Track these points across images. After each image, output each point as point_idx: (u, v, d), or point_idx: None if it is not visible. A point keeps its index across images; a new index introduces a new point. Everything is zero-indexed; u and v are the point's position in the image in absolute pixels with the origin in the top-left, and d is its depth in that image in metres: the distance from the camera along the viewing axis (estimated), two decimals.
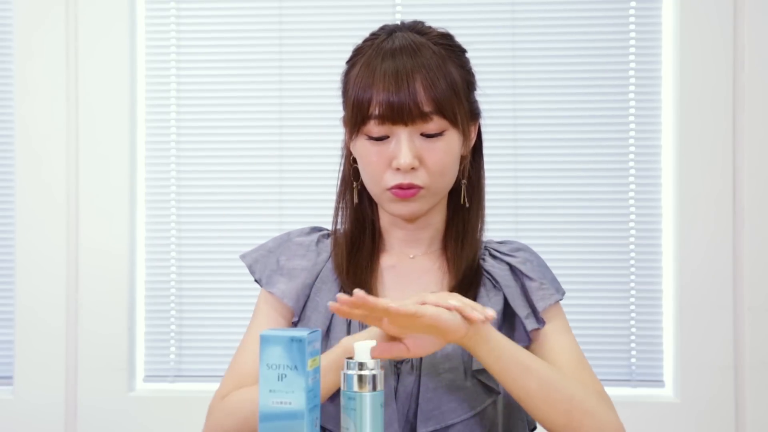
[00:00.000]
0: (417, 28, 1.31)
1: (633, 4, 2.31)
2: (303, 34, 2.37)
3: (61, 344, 2.34)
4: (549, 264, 1.38)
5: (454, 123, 1.25)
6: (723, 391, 2.23)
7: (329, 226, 1.38)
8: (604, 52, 2.32)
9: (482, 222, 1.35)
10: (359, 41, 1.32)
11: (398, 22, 1.33)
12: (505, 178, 2.32)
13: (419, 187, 1.25)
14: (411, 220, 1.32)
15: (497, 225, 2.22)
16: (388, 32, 1.30)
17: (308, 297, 1.32)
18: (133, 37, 2.38)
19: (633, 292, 2.31)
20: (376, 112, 1.23)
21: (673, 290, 2.27)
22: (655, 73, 2.31)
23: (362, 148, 1.27)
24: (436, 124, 1.24)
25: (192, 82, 2.40)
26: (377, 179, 1.27)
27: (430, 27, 1.32)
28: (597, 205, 2.32)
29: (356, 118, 1.26)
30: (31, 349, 2.34)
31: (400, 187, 1.24)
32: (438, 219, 1.34)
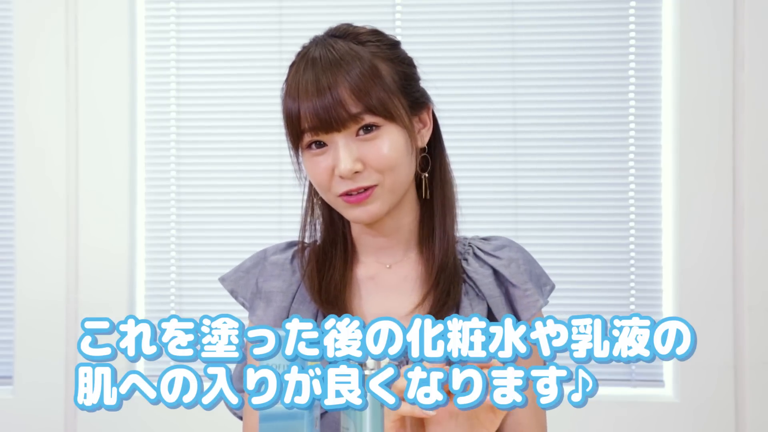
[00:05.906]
0: (341, 31, 1.30)
1: (633, 4, 2.31)
2: (303, 34, 2.34)
3: (61, 344, 2.34)
4: (549, 265, 1.35)
5: (389, 119, 1.20)
6: (723, 390, 2.23)
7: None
8: (604, 52, 2.32)
9: (452, 215, 1.29)
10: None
11: (326, 28, 1.29)
12: (505, 178, 2.31)
13: (371, 187, 1.21)
14: (374, 224, 1.27)
15: (497, 225, 2.23)
16: (314, 43, 1.29)
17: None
18: (133, 36, 2.38)
19: (633, 291, 2.31)
20: (307, 125, 1.21)
21: (673, 290, 2.27)
22: (655, 73, 2.31)
23: (307, 163, 1.25)
24: (369, 122, 1.20)
25: (192, 82, 2.40)
26: (326, 189, 1.23)
27: (355, 27, 1.30)
28: (597, 205, 2.32)
29: (292, 135, 1.24)
30: (31, 349, 2.34)
31: (348, 193, 1.21)
32: (408, 220, 1.29)
